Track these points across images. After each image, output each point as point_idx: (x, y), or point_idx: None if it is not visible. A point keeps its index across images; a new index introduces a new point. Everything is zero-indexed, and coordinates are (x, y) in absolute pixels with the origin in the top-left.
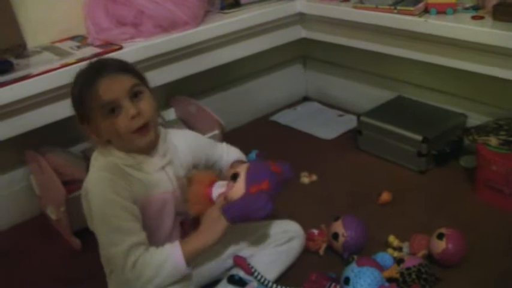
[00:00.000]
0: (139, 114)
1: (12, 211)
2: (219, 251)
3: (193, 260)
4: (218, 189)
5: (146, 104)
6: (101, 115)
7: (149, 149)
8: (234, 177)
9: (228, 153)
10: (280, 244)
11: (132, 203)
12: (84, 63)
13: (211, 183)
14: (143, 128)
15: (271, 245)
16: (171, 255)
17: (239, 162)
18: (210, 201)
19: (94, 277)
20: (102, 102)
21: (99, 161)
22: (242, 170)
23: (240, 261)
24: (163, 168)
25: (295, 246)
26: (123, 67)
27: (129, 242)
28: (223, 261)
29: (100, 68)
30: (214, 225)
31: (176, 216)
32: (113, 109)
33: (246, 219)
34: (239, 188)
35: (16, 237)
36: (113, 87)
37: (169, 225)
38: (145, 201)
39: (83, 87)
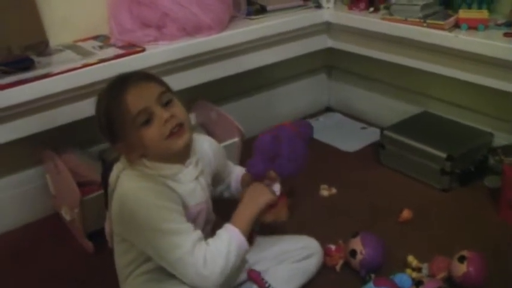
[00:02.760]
0: (172, 116)
1: (26, 209)
2: None
3: (247, 233)
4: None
5: (178, 108)
6: (134, 128)
7: (184, 156)
8: None
9: (234, 167)
10: (297, 260)
11: (179, 205)
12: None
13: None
14: (179, 129)
15: (288, 261)
16: (232, 237)
17: (246, 175)
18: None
19: (106, 281)
20: (133, 114)
21: (132, 176)
22: None
23: (254, 276)
24: (197, 178)
25: (312, 264)
26: (146, 75)
27: (191, 240)
28: (236, 274)
29: (123, 81)
30: (256, 194)
31: (205, 225)
32: (146, 120)
33: (269, 161)
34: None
35: (29, 236)
36: (141, 96)
37: None
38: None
39: (110, 105)
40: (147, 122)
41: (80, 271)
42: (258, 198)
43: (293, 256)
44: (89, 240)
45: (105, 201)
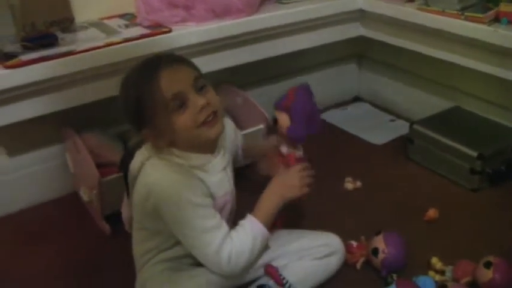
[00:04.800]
0: (208, 104)
1: (45, 187)
2: None
3: (270, 225)
4: (283, 148)
5: (213, 95)
6: (166, 113)
7: (214, 146)
8: (274, 120)
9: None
10: (317, 258)
11: (207, 197)
12: (134, 65)
13: (278, 151)
14: (213, 118)
15: (308, 258)
16: (257, 232)
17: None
18: (286, 160)
19: (121, 264)
20: (167, 98)
21: (159, 166)
22: (275, 111)
23: (271, 271)
24: (224, 168)
25: (333, 263)
26: (180, 58)
27: (219, 237)
28: (255, 270)
29: (155, 62)
30: (285, 188)
31: (229, 215)
32: (180, 105)
33: (307, 122)
34: (281, 117)
35: (46, 215)
36: (176, 79)
37: None
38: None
39: (140, 87)
40: (181, 107)
41: (96, 253)
42: (286, 193)
43: (314, 253)
44: (106, 222)
45: (126, 187)
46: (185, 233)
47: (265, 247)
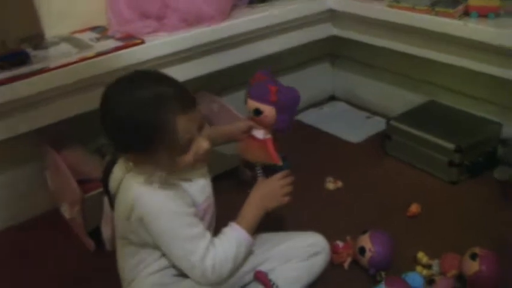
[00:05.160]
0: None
1: (24, 206)
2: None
3: (253, 232)
4: (257, 133)
5: (208, 131)
6: (170, 152)
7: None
8: (257, 112)
9: None
10: (304, 259)
11: (190, 207)
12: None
13: (250, 135)
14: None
15: (295, 260)
16: (241, 240)
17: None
18: (263, 144)
19: (108, 279)
20: (180, 142)
21: (140, 179)
22: (254, 102)
23: (261, 277)
24: (203, 175)
25: (319, 262)
26: (194, 99)
27: (203, 246)
28: (242, 276)
29: (185, 103)
30: (267, 198)
31: (211, 220)
32: (187, 147)
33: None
34: (268, 110)
35: (28, 233)
36: (192, 124)
37: (205, 226)
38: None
39: (154, 116)
40: (187, 148)
41: (81, 269)
42: (268, 203)
43: (300, 255)
44: (90, 238)
45: (110, 203)
46: (169, 244)
47: (249, 253)
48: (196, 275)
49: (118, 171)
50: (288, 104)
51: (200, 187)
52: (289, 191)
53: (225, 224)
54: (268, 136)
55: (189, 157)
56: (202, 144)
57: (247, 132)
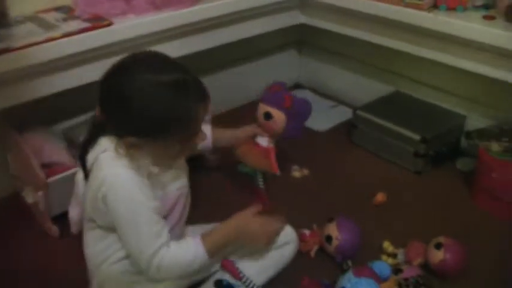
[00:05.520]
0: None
1: None
2: None
3: (218, 251)
4: (261, 140)
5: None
6: (181, 139)
7: None
8: (267, 115)
9: None
10: (272, 248)
11: (155, 200)
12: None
13: (253, 141)
14: None
15: (262, 249)
16: (198, 254)
17: (214, 128)
18: (266, 152)
19: (72, 266)
20: (195, 128)
21: (115, 159)
22: (266, 106)
23: (228, 265)
24: (181, 163)
25: (288, 252)
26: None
27: (156, 245)
28: (209, 265)
29: (203, 92)
30: (250, 236)
31: (183, 209)
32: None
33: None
34: (279, 115)
35: None
36: (204, 116)
37: (176, 217)
38: (161, 199)
39: (183, 108)
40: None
41: (44, 256)
42: (244, 240)
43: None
44: (54, 223)
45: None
46: (124, 231)
47: (202, 268)
48: (141, 266)
49: (94, 151)
50: (300, 112)
51: (174, 174)
52: (273, 242)
53: None
54: (272, 145)
55: (191, 146)
56: (203, 135)
57: (252, 137)
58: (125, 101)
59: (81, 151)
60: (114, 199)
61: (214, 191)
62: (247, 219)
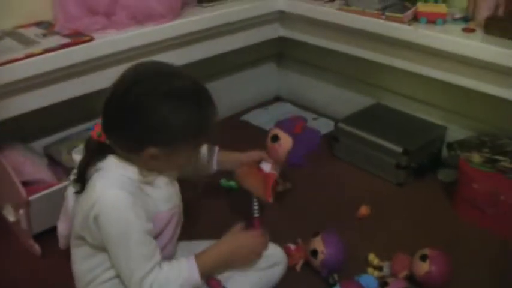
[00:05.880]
0: None
1: None
2: None
3: (209, 273)
4: (265, 165)
5: None
6: (191, 150)
7: None
8: (275, 138)
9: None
10: (261, 268)
11: (148, 222)
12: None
13: (257, 166)
14: None
15: (252, 269)
16: (190, 277)
17: (221, 151)
18: (265, 177)
19: (54, 285)
20: (209, 135)
21: (109, 179)
22: (275, 130)
23: (214, 284)
24: (171, 182)
25: (277, 273)
26: None
27: (148, 267)
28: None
29: (210, 97)
30: (242, 255)
31: (176, 227)
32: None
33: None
34: (286, 139)
35: None
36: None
37: (167, 237)
38: (154, 219)
39: (202, 119)
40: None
41: (26, 275)
42: (238, 259)
43: (258, 264)
44: (35, 242)
45: None
46: (116, 253)
47: None
48: (129, 285)
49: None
50: (308, 139)
51: (166, 194)
52: (261, 255)
53: None
54: (274, 172)
55: (194, 156)
56: (201, 149)
57: (257, 162)
58: (143, 115)
59: (79, 174)
60: (106, 220)
61: (204, 207)
62: (239, 241)
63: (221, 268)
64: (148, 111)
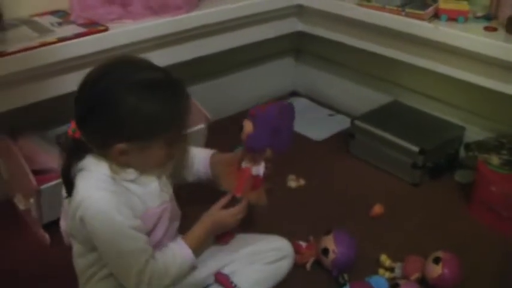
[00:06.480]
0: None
1: None
2: (201, 266)
3: (200, 249)
4: (245, 162)
5: None
6: (169, 138)
7: None
8: (240, 128)
9: (195, 149)
10: (268, 262)
11: (135, 218)
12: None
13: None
14: None
15: (259, 263)
16: (185, 259)
17: (215, 153)
18: (240, 172)
19: (63, 275)
20: (182, 128)
21: (91, 180)
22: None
23: (222, 279)
24: (158, 177)
25: (284, 267)
26: None
27: (142, 260)
28: (203, 279)
29: (184, 90)
30: (214, 222)
31: (170, 223)
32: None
33: (272, 134)
34: (246, 124)
35: None
36: (189, 114)
37: (161, 233)
38: (143, 217)
39: (173, 104)
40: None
41: (34, 264)
42: (218, 230)
43: (264, 258)
44: (45, 231)
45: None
46: (108, 253)
47: (190, 269)
48: (131, 286)
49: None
50: (265, 123)
51: (153, 190)
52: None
53: None
54: (249, 165)
55: (177, 151)
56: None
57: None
58: (110, 107)
59: (63, 177)
60: (92, 223)
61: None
62: (218, 214)
63: (206, 241)
64: (115, 103)
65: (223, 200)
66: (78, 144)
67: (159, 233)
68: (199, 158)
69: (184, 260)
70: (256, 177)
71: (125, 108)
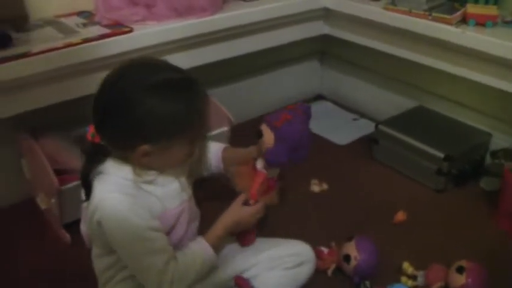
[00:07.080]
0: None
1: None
2: (221, 270)
3: (220, 246)
4: (259, 162)
5: None
6: (183, 143)
7: None
8: (259, 134)
9: (210, 146)
10: (289, 268)
11: (153, 219)
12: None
13: (253, 164)
14: None
15: (279, 268)
16: (206, 258)
17: (228, 147)
18: (257, 176)
19: (82, 275)
20: (204, 127)
21: (108, 182)
22: (263, 124)
23: (242, 283)
24: (177, 177)
25: (304, 272)
26: None
27: (163, 260)
28: (224, 281)
29: (201, 89)
30: (235, 221)
31: (189, 223)
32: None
33: (293, 151)
34: (267, 135)
35: (1, 222)
36: (208, 113)
37: (180, 233)
38: (161, 217)
39: (193, 106)
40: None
41: (55, 263)
42: (237, 229)
43: (285, 262)
44: (66, 231)
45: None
46: (126, 255)
47: (212, 268)
48: (152, 287)
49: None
50: (285, 136)
51: (171, 191)
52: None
53: None
54: (264, 170)
55: (194, 150)
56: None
57: (254, 159)
58: (129, 108)
59: (82, 180)
60: (109, 226)
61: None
62: (239, 212)
63: (227, 233)
64: (135, 105)
65: (241, 198)
66: (98, 148)
67: (178, 233)
68: (211, 153)
69: (205, 259)
70: (271, 179)
71: (144, 109)
